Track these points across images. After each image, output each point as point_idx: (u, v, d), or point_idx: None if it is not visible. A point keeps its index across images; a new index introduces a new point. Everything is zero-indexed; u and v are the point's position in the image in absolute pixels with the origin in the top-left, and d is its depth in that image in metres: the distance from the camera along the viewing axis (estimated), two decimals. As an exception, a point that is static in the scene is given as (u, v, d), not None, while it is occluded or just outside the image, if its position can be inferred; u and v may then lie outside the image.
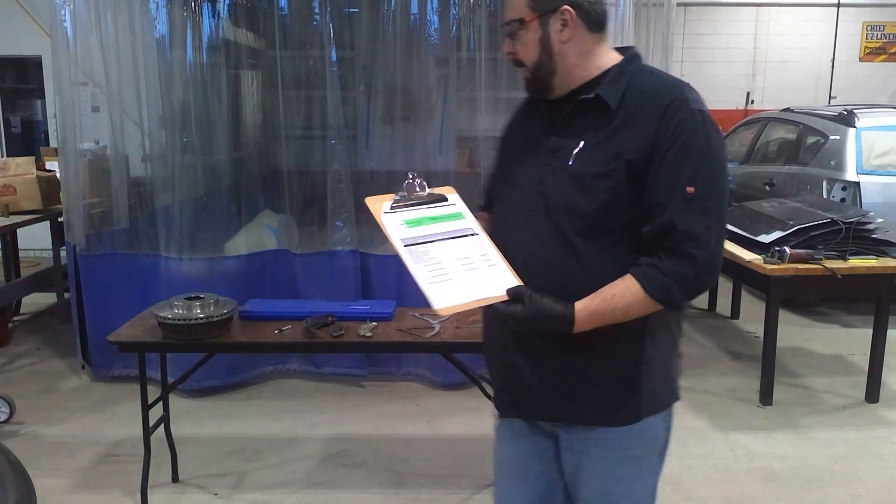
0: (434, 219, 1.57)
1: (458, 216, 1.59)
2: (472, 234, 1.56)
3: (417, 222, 1.56)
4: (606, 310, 1.46)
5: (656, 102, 1.45)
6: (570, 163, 1.50)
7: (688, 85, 1.51)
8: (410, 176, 1.60)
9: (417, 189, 1.59)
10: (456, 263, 1.49)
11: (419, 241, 1.52)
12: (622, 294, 1.45)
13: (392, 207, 1.57)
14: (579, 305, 1.46)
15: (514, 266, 1.51)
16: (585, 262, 1.49)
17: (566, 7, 1.48)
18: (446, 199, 1.61)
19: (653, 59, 4.07)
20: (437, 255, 1.49)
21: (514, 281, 1.48)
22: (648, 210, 1.45)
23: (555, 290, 1.48)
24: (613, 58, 1.56)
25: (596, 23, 1.52)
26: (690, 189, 1.42)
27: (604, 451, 1.58)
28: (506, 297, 1.45)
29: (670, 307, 1.47)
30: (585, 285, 1.48)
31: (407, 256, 1.48)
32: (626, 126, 1.47)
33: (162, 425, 3.03)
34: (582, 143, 1.50)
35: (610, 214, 1.47)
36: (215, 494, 3.03)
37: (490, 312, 1.57)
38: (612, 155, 1.46)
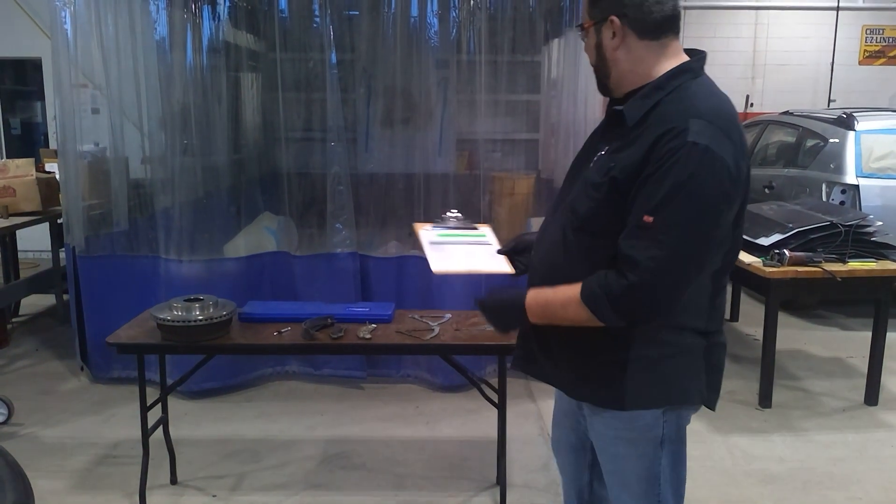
0: (462, 235, 1.95)
1: (482, 235, 1.93)
2: (487, 244, 1.89)
3: (447, 235, 1.94)
4: (551, 314, 1.61)
5: (660, 127, 1.47)
6: (590, 166, 1.61)
7: (708, 115, 1.48)
8: (449, 212, 1.98)
9: (453, 221, 1.96)
10: (462, 250, 1.86)
11: (442, 243, 1.89)
12: (565, 291, 1.57)
13: (433, 226, 1.97)
14: (531, 293, 1.64)
15: (536, 247, 1.76)
16: (571, 258, 1.61)
17: (613, 17, 1.55)
18: (477, 228, 1.97)
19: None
20: (450, 247, 1.87)
21: (506, 266, 1.79)
22: (624, 224, 1.51)
23: (543, 275, 1.66)
24: (668, 66, 1.57)
25: (651, 30, 1.55)
26: (648, 218, 1.44)
27: (601, 428, 1.72)
28: (495, 271, 1.71)
29: (597, 316, 1.52)
30: (566, 277, 1.58)
31: (428, 248, 1.86)
32: (631, 144, 1.50)
33: (161, 427, 3.03)
34: (603, 151, 1.59)
35: (593, 222, 1.56)
36: (214, 496, 3.03)
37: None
38: (608, 168, 1.52)
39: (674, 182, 1.43)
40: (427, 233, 1.92)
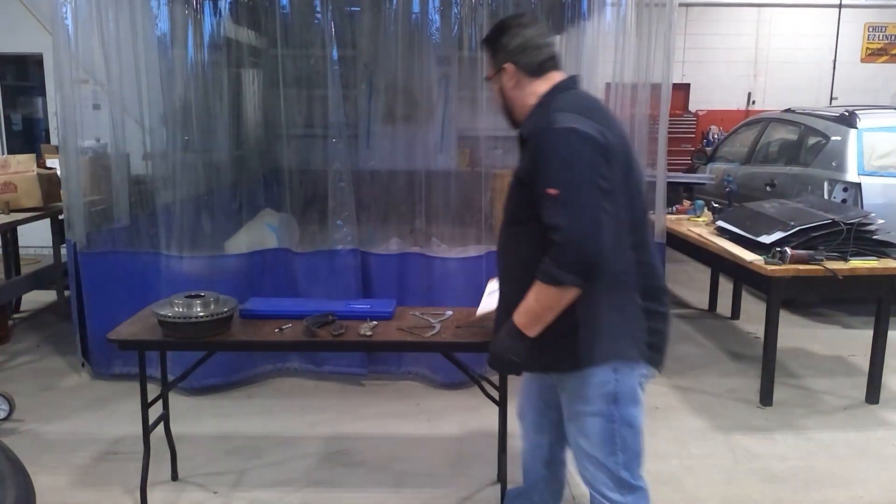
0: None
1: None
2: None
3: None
4: (531, 312, 1.91)
5: (535, 128, 1.93)
6: (512, 180, 2.02)
7: (569, 107, 1.90)
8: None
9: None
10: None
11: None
12: (533, 295, 1.89)
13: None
14: (515, 319, 1.95)
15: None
16: (513, 246, 2.04)
17: (506, 65, 2.04)
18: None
19: (654, 60, 4.07)
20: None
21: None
22: (537, 206, 1.89)
23: (501, 266, 2.11)
24: (544, 89, 2.03)
25: (536, 70, 2.03)
26: (551, 191, 1.82)
27: (566, 388, 2.06)
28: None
29: (559, 285, 1.83)
30: (513, 259, 2.03)
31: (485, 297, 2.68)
32: (527, 150, 1.95)
33: (162, 423, 3.03)
34: (517, 165, 2.01)
35: (517, 214, 1.99)
36: (214, 493, 3.03)
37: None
38: (515, 173, 1.98)
39: (556, 158, 1.84)
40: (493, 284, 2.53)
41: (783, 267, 3.65)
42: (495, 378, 2.88)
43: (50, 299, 5.48)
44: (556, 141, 1.85)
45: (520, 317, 1.93)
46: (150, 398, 2.83)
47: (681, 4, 7.96)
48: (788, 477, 3.20)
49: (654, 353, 2.03)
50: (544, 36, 2.06)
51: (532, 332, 1.92)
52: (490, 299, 2.65)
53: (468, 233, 4.21)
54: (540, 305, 1.88)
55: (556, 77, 2.04)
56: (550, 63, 2.05)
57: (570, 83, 2.05)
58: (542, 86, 2.02)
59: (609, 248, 1.82)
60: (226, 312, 2.71)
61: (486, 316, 2.57)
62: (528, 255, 1.93)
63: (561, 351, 1.97)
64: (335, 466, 3.26)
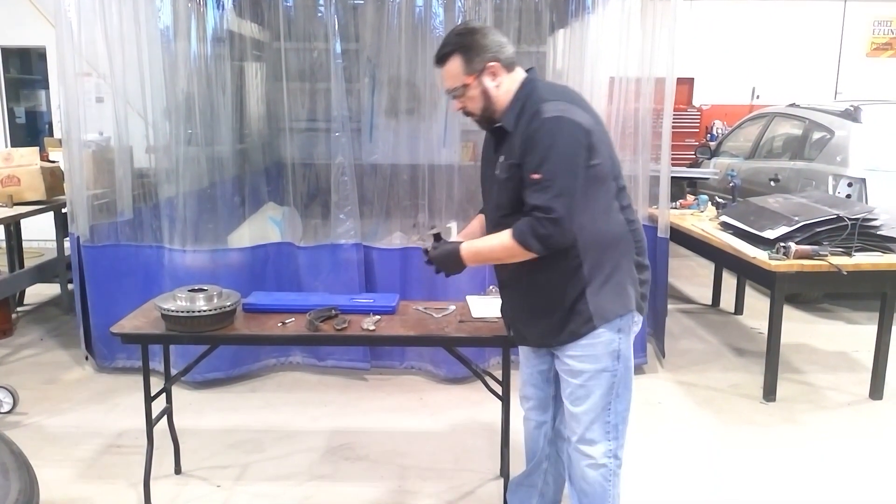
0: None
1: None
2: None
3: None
4: (483, 248, 2.19)
5: (524, 117, 2.07)
6: (497, 172, 2.16)
7: (554, 97, 2.07)
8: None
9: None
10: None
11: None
12: (497, 238, 2.13)
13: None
14: (464, 244, 2.22)
15: None
16: None
17: (491, 63, 2.11)
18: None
19: (659, 54, 4.05)
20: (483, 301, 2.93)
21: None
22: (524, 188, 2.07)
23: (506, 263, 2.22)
24: (517, 83, 2.15)
25: (510, 64, 2.16)
26: (536, 175, 2.01)
27: (573, 353, 2.19)
28: None
29: (525, 247, 2.05)
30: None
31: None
32: (515, 140, 2.08)
33: (165, 417, 3.03)
34: (502, 158, 2.14)
35: (514, 204, 2.10)
36: (218, 486, 3.04)
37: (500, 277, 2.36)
38: (510, 164, 2.09)
39: (543, 146, 2.00)
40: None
41: (787, 262, 3.64)
42: (498, 373, 2.88)
43: (53, 293, 5.49)
44: (545, 129, 2.00)
45: (472, 251, 2.19)
46: (153, 391, 2.83)
47: (685, -2, 7.91)
48: (791, 472, 3.20)
49: (642, 302, 2.25)
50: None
51: (470, 264, 2.23)
52: (480, 302, 2.91)
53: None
54: (497, 254, 2.15)
55: (520, 70, 2.19)
56: (516, 58, 2.20)
57: (535, 73, 2.21)
58: (516, 79, 2.16)
59: (575, 223, 2.03)
60: (229, 306, 2.71)
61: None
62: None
63: (576, 319, 2.14)
64: (338, 460, 3.26)
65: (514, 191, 2.08)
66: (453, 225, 2.52)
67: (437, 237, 2.32)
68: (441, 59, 2.17)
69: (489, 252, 2.18)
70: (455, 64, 2.13)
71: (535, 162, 2.01)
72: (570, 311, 2.15)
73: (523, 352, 2.48)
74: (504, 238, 2.09)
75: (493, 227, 2.23)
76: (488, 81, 2.12)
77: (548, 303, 2.18)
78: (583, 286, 2.13)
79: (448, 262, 2.24)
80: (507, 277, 2.30)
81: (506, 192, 2.12)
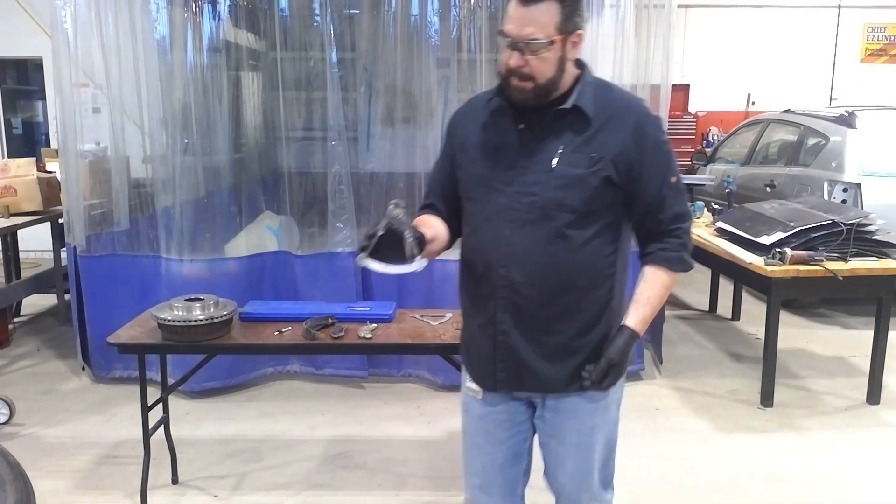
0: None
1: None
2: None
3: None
4: (650, 307, 1.77)
5: (628, 113, 1.74)
6: (554, 165, 1.71)
7: (637, 96, 1.87)
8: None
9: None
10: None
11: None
12: (654, 288, 1.78)
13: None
14: (631, 321, 1.76)
15: (504, 261, 1.75)
16: (576, 251, 1.73)
17: (580, 31, 1.69)
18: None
19: (653, 61, 4.07)
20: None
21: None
22: (647, 203, 1.76)
23: (544, 273, 1.73)
24: (574, 68, 1.76)
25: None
26: (673, 179, 1.77)
27: (585, 406, 1.82)
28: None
29: (686, 271, 1.82)
30: (577, 270, 1.74)
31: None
32: (603, 132, 1.71)
33: (162, 427, 3.03)
34: (562, 148, 1.72)
35: (592, 206, 1.72)
36: (215, 496, 3.03)
37: (475, 308, 1.86)
38: (596, 157, 1.70)
39: (668, 147, 1.78)
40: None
41: (783, 268, 3.65)
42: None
43: (50, 303, 5.48)
44: (660, 128, 1.79)
45: (642, 318, 1.76)
46: (150, 401, 2.82)
47: (680, 6, 7.95)
48: (789, 478, 3.20)
49: None
50: None
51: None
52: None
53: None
54: (662, 297, 1.80)
55: None
56: None
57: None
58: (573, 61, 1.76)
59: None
60: (225, 315, 2.71)
61: None
62: (604, 251, 1.76)
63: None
64: (336, 469, 3.25)
65: (597, 189, 1.70)
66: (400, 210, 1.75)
67: (421, 241, 1.73)
68: None
69: (655, 308, 1.79)
70: (552, 11, 1.62)
71: (668, 163, 1.76)
72: (592, 351, 1.77)
73: (484, 428, 1.91)
74: (662, 278, 1.77)
75: (527, 241, 1.73)
76: (569, 50, 1.68)
77: (580, 331, 1.78)
78: (604, 326, 1.79)
79: (630, 350, 1.78)
80: (527, 299, 1.75)
81: (580, 190, 1.70)
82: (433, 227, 1.83)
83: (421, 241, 1.71)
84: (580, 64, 1.76)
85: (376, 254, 1.67)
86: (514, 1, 1.64)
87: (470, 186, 1.83)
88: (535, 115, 1.72)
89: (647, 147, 1.72)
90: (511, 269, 1.74)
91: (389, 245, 1.66)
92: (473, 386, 1.91)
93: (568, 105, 1.70)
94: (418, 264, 1.66)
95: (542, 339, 1.77)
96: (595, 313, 1.77)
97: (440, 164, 1.96)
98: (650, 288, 1.78)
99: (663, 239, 1.78)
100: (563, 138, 1.71)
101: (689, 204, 1.88)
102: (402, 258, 1.67)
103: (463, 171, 1.85)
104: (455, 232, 1.91)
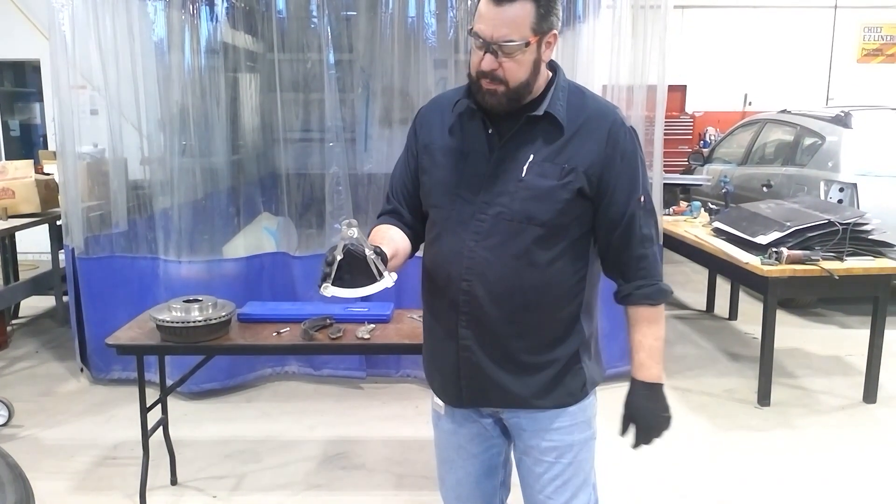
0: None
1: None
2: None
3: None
4: (659, 350, 1.69)
5: (601, 122, 1.62)
6: (523, 175, 1.60)
7: (611, 103, 1.73)
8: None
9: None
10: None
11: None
12: (650, 328, 1.68)
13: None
14: (648, 374, 1.69)
15: (467, 274, 1.63)
16: (543, 268, 1.62)
17: (555, 32, 1.59)
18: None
19: (650, 61, 4.08)
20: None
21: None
22: (611, 220, 1.64)
23: (508, 290, 1.62)
24: (547, 70, 1.66)
25: None
26: (642, 197, 1.64)
27: (561, 424, 1.72)
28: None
29: (667, 300, 1.70)
30: (544, 287, 1.63)
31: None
32: (575, 140, 1.61)
33: (161, 428, 3.04)
34: (532, 156, 1.61)
35: (563, 221, 1.61)
36: (214, 497, 3.03)
37: (436, 322, 1.74)
38: (568, 168, 1.60)
39: (639, 162, 1.65)
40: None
41: (780, 267, 3.66)
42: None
43: (48, 305, 5.48)
44: (631, 141, 1.64)
45: (653, 366, 1.68)
46: (148, 403, 2.83)
47: (676, 6, 7.98)
48: (786, 477, 3.21)
49: None
50: None
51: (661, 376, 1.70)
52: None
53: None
54: (661, 336, 1.70)
55: None
56: None
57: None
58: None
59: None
60: (224, 316, 2.72)
61: None
62: (573, 266, 1.66)
63: (572, 380, 1.71)
64: (334, 470, 3.26)
65: (568, 202, 1.59)
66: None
67: (384, 257, 1.56)
68: None
69: (661, 346, 1.71)
70: (526, 10, 1.52)
71: (635, 178, 1.63)
72: (564, 366, 1.69)
73: (456, 443, 1.85)
74: (657, 315, 1.68)
75: (493, 246, 1.62)
76: (543, 51, 1.59)
77: (541, 340, 1.68)
78: (576, 341, 1.70)
79: (662, 403, 1.72)
80: (490, 316, 1.64)
81: (551, 203, 1.59)
82: (391, 240, 1.68)
83: (384, 257, 1.55)
84: (553, 66, 1.67)
85: (339, 281, 1.53)
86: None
87: (433, 193, 1.70)
88: (505, 119, 1.62)
89: (616, 158, 1.60)
90: (474, 284, 1.62)
91: (351, 268, 1.53)
92: (438, 401, 1.83)
93: (540, 112, 1.60)
94: (389, 279, 1.52)
95: (508, 354, 1.66)
96: (564, 328, 1.67)
97: (404, 164, 1.81)
98: (649, 329, 1.68)
99: (636, 274, 1.67)
100: (533, 146, 1.61)
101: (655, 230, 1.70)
102: (369, 278, 1.54)
103: (427, 176, 1.72)
104: (420, 237, 1.80)
